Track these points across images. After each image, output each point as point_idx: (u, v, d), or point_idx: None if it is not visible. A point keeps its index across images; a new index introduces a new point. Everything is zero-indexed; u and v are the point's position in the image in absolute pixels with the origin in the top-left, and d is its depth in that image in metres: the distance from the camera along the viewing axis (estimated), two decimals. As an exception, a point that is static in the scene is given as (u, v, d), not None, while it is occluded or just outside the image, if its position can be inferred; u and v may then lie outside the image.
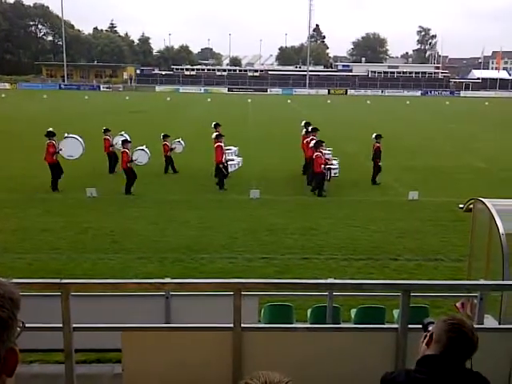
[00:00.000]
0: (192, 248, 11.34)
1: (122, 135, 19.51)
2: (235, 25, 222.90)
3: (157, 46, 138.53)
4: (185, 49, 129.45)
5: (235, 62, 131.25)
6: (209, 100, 63.15)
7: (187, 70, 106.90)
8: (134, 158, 16.78)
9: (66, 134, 17.63)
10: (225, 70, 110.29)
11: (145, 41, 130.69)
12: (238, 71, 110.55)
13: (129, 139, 17.65)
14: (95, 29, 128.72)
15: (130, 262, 10.49)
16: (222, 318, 4.26)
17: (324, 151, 17.11)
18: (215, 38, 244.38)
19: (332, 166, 17.32)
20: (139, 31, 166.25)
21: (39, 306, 4.43)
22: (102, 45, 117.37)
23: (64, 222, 13.13)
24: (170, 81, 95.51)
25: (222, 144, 17.24)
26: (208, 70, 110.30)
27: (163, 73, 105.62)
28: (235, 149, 18.48)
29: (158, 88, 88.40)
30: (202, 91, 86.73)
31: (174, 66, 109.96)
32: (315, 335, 4.29)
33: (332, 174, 17.30)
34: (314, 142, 16.83)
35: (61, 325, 4.03)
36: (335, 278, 6.03)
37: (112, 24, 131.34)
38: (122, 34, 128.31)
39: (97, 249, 11.22)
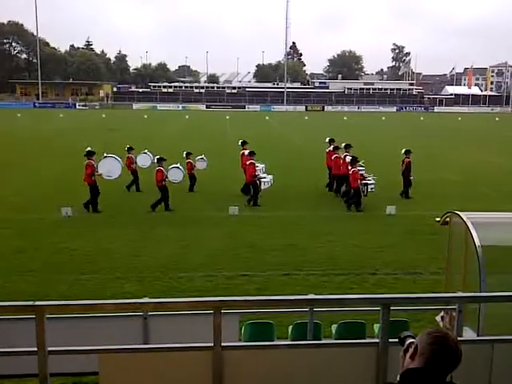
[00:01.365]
0: (171, 267, 11.22)
1: (145, 153, 19.52)
2: (212, 42, 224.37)
3: (134, 63, 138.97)
4: (162, 66, 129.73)
5: (213, 79, 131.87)
6: (187, 117, 63.14)
7: (165, 87, 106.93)
8: (169, 177, 16.78)
9: (104, 154, 17.51)
10: (203, 87, 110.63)
11: (121, 58, 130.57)
12: (215, 88, 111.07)
13: (151, 157, 17.94)
14: (71, 46, 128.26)
15: (108, 282, 10.32)
16: (201, 338, 4.20)
17: (359, 168, 17.37)
18: (193, 55, 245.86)
19: (368, 182, 17.59)
20: (116, 49, 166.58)
21: (13, 330, 4.32)
22: (77, 62, 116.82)
23: (38, 243, 12.88)
24: (147, 98, 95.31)
25: (254, 161, 17.43)
26: (186, 87, 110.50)
27: (140, 90, 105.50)
28: (263, 165, 18.57)
29: (135, 106, 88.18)
30: (180, 108, 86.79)
31: (152, 84, 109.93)
32: (296, 352, 4.26)
33: (369, 190, 17.53)
34: (350, 158, 17.09)
35: (35, 348, 3.92)
36: (316, 294, 6.02)
37: (88, 41, 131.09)
38: (98, 51, 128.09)
39: (73, 270, 11.02)
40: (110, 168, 16.74)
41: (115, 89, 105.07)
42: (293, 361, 4.15)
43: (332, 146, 19.27)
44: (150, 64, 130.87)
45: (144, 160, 19.45)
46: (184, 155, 19.14)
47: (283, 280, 10.57)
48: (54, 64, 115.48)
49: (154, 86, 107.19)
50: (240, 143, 19.51)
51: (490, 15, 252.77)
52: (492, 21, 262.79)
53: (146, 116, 63.06)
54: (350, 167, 16.78)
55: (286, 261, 11.74)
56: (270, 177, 18.52)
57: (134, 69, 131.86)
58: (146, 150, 20.08)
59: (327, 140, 20.27)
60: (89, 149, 16.76)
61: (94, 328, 5.43)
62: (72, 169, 19.59)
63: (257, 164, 17.93)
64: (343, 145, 18.72)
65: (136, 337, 5.51)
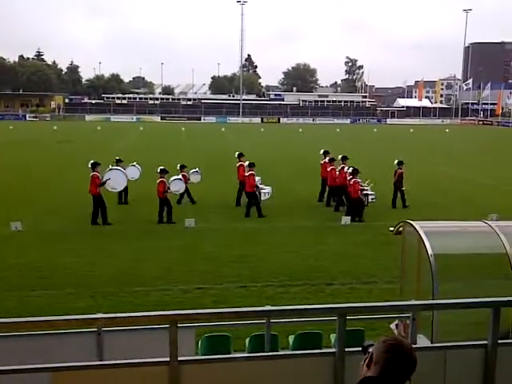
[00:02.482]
0: (125, 281, 11.00)
1: (134, 166, 19.11)
2: (167, 54, 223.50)
3: (86, 74, 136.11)
4: (115, 77, 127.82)
5: (168, 90, 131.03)
6: (141, 128, 62.43)
7: (118, 98, 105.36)
8: (171, 188, 16.79)
9: (110, 166, 17.42)
10: (157, 99, 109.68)
11: (73, 69, 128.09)
12: (170, 100, 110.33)
13: (139, 169, 17.89)
14: (21, 57, 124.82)
15: (59, 298, 10.03)
16: (158, 352, 4.12)
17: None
18: (147, 66, 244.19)
19: (369, 193, 17.92)
20: (68, 59, 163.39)
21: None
22: (28, 73, 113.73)
23: (-13, 258, 12.41)
24: (100, 110, 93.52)
25: (254, 172, 17.58)
26: (140, 98, 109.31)
27: (93, 102, 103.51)
28: (258, 178, 18.60)
29: (87, 117, 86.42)
30: (134, 120, 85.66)
31: (105, 95, 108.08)
32: (254, 364, 4.23)
33: (369, 200, 17.88)
34: (351, 169, 17.36)
35: (-19, 369, 3.75)
36: (272, 306, 6.02)
37: (39, 52, 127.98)
38: (49, 62, 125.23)
39: (22, 286, 10.65)
40: (114, 180, 16.70)
41: (67, 100, 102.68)
42: (250, 373, 4.13)
43: (327, 158, 19.60)
44: (103, 75, 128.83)
45: (133, 172, 19.12)
46: (178, 168, 18.80)
47: (240, 292, 10.53)
48: (4, 75, 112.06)
49: (108, 98, 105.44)
50: (236, 155, 19.66)
51: (438, 32, 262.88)
52: (440, 37, 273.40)
53: (99, 128, 61.94)
54: (350, 178, 17.10)
55: (242, 273, 11.72)
56: (269, 188, 18.66)
57: (87, 80, 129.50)
58: (134, 162, 19.78)
59: (321, 152, 20.60)
60: (93, 161, 16.59)
61: (45, 346, 5.25)
62: (20, 180, 18.98)
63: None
64: (340, 156, 19.07)
65: (90, 353, 5.35)
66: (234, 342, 6.46)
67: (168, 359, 3.94)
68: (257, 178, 18.51)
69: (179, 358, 3.96)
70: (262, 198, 18.14)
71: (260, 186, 18.25)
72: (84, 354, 5.26)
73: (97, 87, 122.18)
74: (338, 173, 18.39)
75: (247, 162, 18.07)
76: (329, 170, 18.90)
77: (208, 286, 10.80)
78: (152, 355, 4.13)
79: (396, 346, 2.62)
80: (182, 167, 18.92)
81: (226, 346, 6.11)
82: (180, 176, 18.04)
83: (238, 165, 19.29)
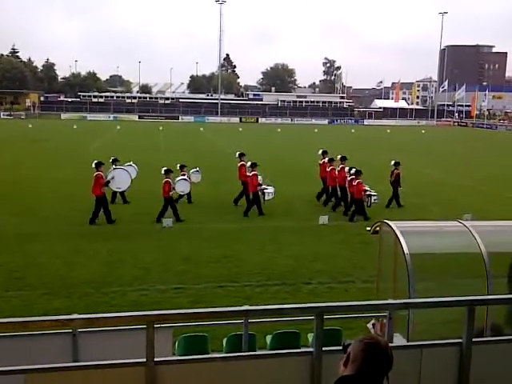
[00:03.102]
0: (101, 281, 10.88)
1: (130, 165, 18.89)
2: (145, 52, 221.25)
3: (62, 72, 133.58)
4: (92, 75, 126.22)
5: (145, 89, 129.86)
6: (118, 127, 61.84)
7: (95, 97, 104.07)
8: (176, 189, 16.83)
9: (113, 166, 17.47)
10: (135, 98, 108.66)
11: (49, 67, 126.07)
12: (148, 99, 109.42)
13: (135, 169, 17.80)
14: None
15: (35, 298, 9.87)
16: (134, 353, 4.07)
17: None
18: (124, 65, 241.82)
19: (372, 193, 18.06)
20: (43, 57, 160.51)
21: None
22: (2, 70, 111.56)
23: (-41, 259, 12.15)
24: (76, 108, 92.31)
25: (257, 172, 17.66)
26: (117, 97, 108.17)
27: (69, 100, 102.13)
28: (260, 177, 18.61)
29: (63, 115, 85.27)
30: (111, 119, 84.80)
31: (81, 93, 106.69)
32: (231, 364, 4.22)
33: (372, 201, 18.13)
34: (353, 170, 17.50)
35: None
36: (250, 305, 6.01)
37: (14, 49, 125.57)
38: (24, 59, 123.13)
39: (-3, 286, 10.46)
40: (119, 179, 16.69)
41: (42, 98, 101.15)
42: (228, 373, 4.11)
43: (327, 158, 19.69)
44: (79, 73, 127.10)
45: (130, 171, 18.67)
46: (178, 167, 18.55)
47: (218, 292, 10.51)
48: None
49: (84, 96, 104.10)
50: (237, 155, 19.49)
51: (415, 34, 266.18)
52: (417, 39, 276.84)
53: (75, 126, 61.20)
54: (352, 179, 17.30)
55: (221, 273, 11.69)
56: (272, 188, 18.67)
57: (63, 78, 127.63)
58: (131, 162, 19.54)
59: (320, 152, 20.66)
60: (97, 161, 16.39)
61: (19, 347, 5.16)
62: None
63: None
64: (339, 157, 19.15)
65: (65, 355, 5.28)
66: (211, 342, 6.44)
67: (145, 360, 3.90)
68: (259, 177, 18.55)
69: (156, 359, 3.92)
70: (266, 198, 18.24)
71: (264, 186, 18.30)
72: (59, 355, 5.18)
73: (73, 85, 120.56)
74: (337, 173, 18.62)
75: (249, 163, 18.09)
76: (328, 169, 19.06)
77: (186, 286, 10.74)
78: (128, 356, 4.09)
79: (373, 344, 2.64)
80: (182, 167, 18.75)
81: (204, 347, 6.08)
82: (185, 176, 18.05)
83: (239, 165, 19.21)
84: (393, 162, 19.56)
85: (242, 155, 19.33)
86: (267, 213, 17.67)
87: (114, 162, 18.32)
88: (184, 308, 8.32)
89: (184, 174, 18.37)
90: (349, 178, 17.63)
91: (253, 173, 17.61)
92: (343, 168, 18.33)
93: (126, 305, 9.42)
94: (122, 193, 18.31)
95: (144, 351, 3.90)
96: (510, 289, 7.63)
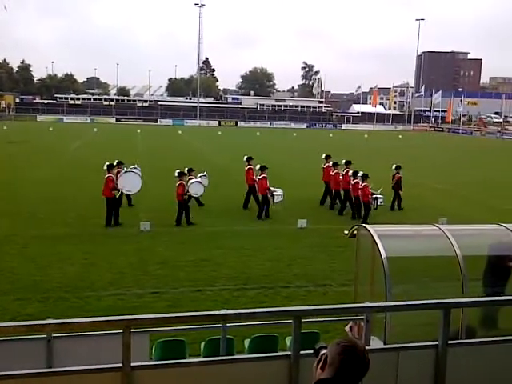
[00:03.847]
0: (76, 285, 10.73)
1: (135, 167, 18.71)
2: (123, 55, 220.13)
3: (38, 73, 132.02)
4: (69, 77, 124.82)
5: (123, 91, 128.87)
6: (95, 130, 61.18)
7: (72, 99, 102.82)
8: (190, 191, 16.90)
9: (124, 169, 17.56)
10: (112, 100, 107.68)
11: (25, 68, 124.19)
12: (126, 101, 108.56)
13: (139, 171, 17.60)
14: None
15: (7, 303, 9.67)
16: (110, 359, 4.01)
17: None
18: (102, 67, 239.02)
19: (378, 196, 18.35)
20: (19, 58, 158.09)
21: None
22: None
23: None
24: (53, 110, 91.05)
25: (266, 175, 17.78)
26: (94, 99, 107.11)
27: (45, 102, 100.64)
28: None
29: (39, 117, 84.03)
30: (88, 121, 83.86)
31: (58, 95, 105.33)
32: (209, 368, 4.19)
33: (379, 203, 18.40)
34: (361, 173, 17.79)
35: None
36: (228, 309, 5.98)
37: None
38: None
39: (-32, 291, 10.23)
40: (129, 182, 16.75)
41: (18, 99, 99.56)
42: (206, 378, 4.08)
43: (331, 162, 19.93)
44: (56, 75, 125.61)
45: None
46: (186, 171, 18.23)
47: (196, 296, 10.45)
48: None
49: (61, 98, 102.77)
50: (245, 159, 19.60)
51: (392, 40, 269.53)
52: (394, 45, 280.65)
53: (51, 128, 60.33)
54: (356, 182, 17.62)
55: (198, 277, 11.62)
56: (281, 191, 18.75)
57: (39, 79, 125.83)
58: (135, 165, 19.42)
59: (323, 156, 20.90)
60: (108, 163, 16.40)
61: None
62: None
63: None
64: (343, 161, 19.46)
65: (39, 361, 5.18)
66: (189, 346, 6.39)
67: (121, 365, 3.85)
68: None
69: (132, 364, 3.87)
70: (276, 201, 18.33)
71: (272, 189, 18.42)
72: (33, 361, 5.09)
73: (49, 87, 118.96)
74: (341, 177, 18.96)
75: (258, 166, 18.22)
76: (332, 173, 19.33)
77: (163, 291, 10.66)
78: (104, 361, 4.03)
79: (350, 347, 2.65)
80: (190, 171, 18.59)
81: (181, 351, 6.03)
82: (199, 179, 18.13)
83: (246, 168, 19.34)
84: (394, 166, 20.10)
85: (249, 159, 19.49)
86: (247, 216, 17.66)
87: (119, 164, 18.16)
88: (162, 312, 8.24)
89: (191, 178, 18.27)
90: (352, 182, 17.93)
91: (262, 176, 17.80)
92: (347, 172, 18.69)
93: (102, 309, 9.30)
94: (127, 195, 18.23)
95: (120, 356, 3.84)
96: (485, 291, 7.74)
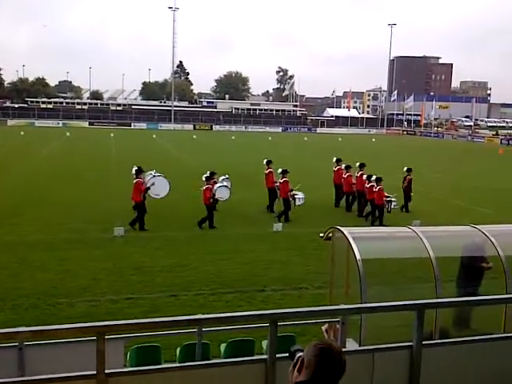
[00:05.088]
0: (49, 292, 10.54)
1: (151, 174, 18.45)
2: (96, 58, 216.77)
3: (9, 77, 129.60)
4: (41, 81, 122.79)
5: (96, 95, 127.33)
6: (68, 134, 60.35)
7: (43, 102, 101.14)
8: (217, 195, 17.07)
9: (152, 173, 17.77)
10: (85, 104, 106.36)
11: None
12: (99, 105, 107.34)
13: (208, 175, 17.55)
14: None
15: (-22, 311, 9.45)
16: (84, 366, 3.95)
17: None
18: (74, 70, 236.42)
19: (392, 199, 18.87)
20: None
21: None
22: None
23: None
24: (24, 114, 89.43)
25: (287, 179, 18.11)
26: (67, 103, 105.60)
27: (16, 106, 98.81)
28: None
29: (10, 122, 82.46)
30: (61, 125, 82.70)
31: (29, 99, 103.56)
32: (185, 374, 4.15)
33: (392, 206, 18.94)
34: (374, 177, 18.24)
35: None
36: (204, 314, 5.95)
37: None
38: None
39: None
40: (158, 187, 17.13)
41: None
42: (181, 383, 4.04)
43: (343, 165, 20.35)
44: (27, 78, 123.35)
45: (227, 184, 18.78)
46: (208, 174, 18.16)
47: (171, 301, 10.37)
48: None
49: (32, 102, 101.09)
50: (265, 162, 19.79)
51: (365, 45, 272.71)
52: (368, 50, 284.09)
53: (22, 133, 59.35)
54: (371, 185, 18.03)
55: (174, 282, 11.54)
56: (302, 194, 18.96)
57: (9, 83, 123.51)
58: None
59: (334, 160, 21.36)
60: (137, 167, 16.45)
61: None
62: None
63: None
64: (357, 164, 19.84)
65: (11, 369, 5.06)
66: (164, 352, 6.33)
67: (95, 372, 3.79)
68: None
69: (107, 371, 3.81)
70: (297, 204, 18.67)
71: (294, 192, 18.67)
72: (4, 370, 4.97)
73: (20, 91, 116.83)
74: (354, 179, 19.46)
75: (280, 169, 18.44)
76: (345, 176, 19.82)
77: (138, 296, 10.55)
78: (78, 369, 3.96)
79: (326, 349, 2.66)
80: (212, 174, 18.44)
81: (156, 357, 5.97)
82: (225, 183, 18.33)
83: (267, 172, 19.56)
84: (405, 169, 20.64)
85: (269, 162, 19.71)
86: (221, 220, 17.60)
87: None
88: (137, 318, 8.16)
89: (215, 182, 18.29)
90: (368, 185, 18.29)
91: (284, 179, 18.08)
92: (362, 174, 19.10)
93: (76, 316, 9.15)
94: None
95: (94, 363, 3.78)
96: (459, 292, 7.87)
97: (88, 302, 10.11)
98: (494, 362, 4.67)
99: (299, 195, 18.85)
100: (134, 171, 16.55)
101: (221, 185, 17.94)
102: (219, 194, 17.44)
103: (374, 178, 18.30)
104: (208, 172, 18.29)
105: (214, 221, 16.67)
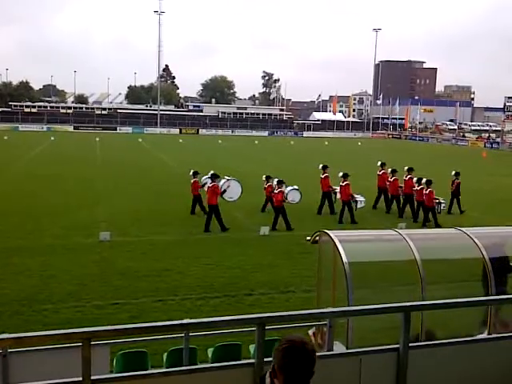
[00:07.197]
0: (33, 298, 10.41)
1: (209, 177, 18.48)
2: (81, 62, 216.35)
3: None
4: (24, 85, 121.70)
5: (81, 99, 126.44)
6: (52, 138, 59.85)
7: (27, 107, 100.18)
8: (288, 198, 17.83)
9: (226, 177, 18.57)
10: (70, 108, 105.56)
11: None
12: (84, 109, 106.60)
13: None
14: None
15: (-39, 318, 9.31)
16: (70, 373, 3.90)
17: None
18: (59, 74, 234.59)
19: (441, 201, 20.05)
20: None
21: None
22: None
23: None
24: (7, 118, 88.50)
25: (349, 182, 18.72)
26: (51, 107, 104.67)
27: (0, 110, 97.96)
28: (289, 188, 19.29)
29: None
30: (45, 129, 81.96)
31: (13, 103, 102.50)
32: (171, 379, 4.12)
33: (442, 207, 20.08)
34: (424, 179, 18.81)
35: None
36: (191, 318, 5.91)
37: None
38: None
39: None
40: (233, 190, 17.93)
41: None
42: (168, 389, 4.01)
43: (389, 169, 20.75)
44: (10, 82, 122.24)
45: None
46: (264, 178, 19.02)
47: (157, 306, 10.30)
48: None
49: (16, 106, 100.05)
50: (321, 167, 20.45)
51: (351, 49, 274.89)
52: (353, 54, 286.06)
53: (6, 137, 58.75)
54: (421, 188, 18.60)
55: (160, 286, 11.47)
56: (363, 197, 19.68)
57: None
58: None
59: (379, 164, 21.95)
60: (213, 172, 17.32)
61: None
62: None
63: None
64: (406, 168, 20.29)
65: (-6, 378, 4.99)
66: (151, 357, 6.29)
67: (81, 379, 3.74)
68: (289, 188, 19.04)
69: (93, 378, 3.77)
70: (358, 206, 19.48)
71: (355, 195, 19.23)
72: (-13, 378, 4.89)
73: (4, 95, 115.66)
74: (403, 183, 19.91)
75: (341, 173, 18.95)
76: (391, 180, 20.37)
77: (124, 302, 10.46)
78: (64, 376, 3.91)
79: (289, 346, 2.69)
80: (268, 178, 19.09)
81: (143, 363, 5.93)
82: (296, 186, 18.96)
83: (323, 176, 20.09)
84: (454, 173, 21.25)
85: (325, 167, 20.36)
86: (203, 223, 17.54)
87: (195, 174, 18.74)
88: (123, 323, 8.09)
89: (269, 186, 18.78)
90: (417, 188, 18.83)
91: (345, 182, 18.67)
92: (411, 178, 19.58)
93: (61, 322, 9.05)
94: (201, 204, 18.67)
95: (80, 370, 3.74)
96: (486, 292, 7.81)
97: (73, 308, 10.00)
98: (479, 364, 4.70)
99: (360, 198, 19.63)
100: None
101: (291, 188, 18.70)
102: (291, 198, 18.15)
103: (424, 180, 18.85)
104: (264, 176, 19.18)
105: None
